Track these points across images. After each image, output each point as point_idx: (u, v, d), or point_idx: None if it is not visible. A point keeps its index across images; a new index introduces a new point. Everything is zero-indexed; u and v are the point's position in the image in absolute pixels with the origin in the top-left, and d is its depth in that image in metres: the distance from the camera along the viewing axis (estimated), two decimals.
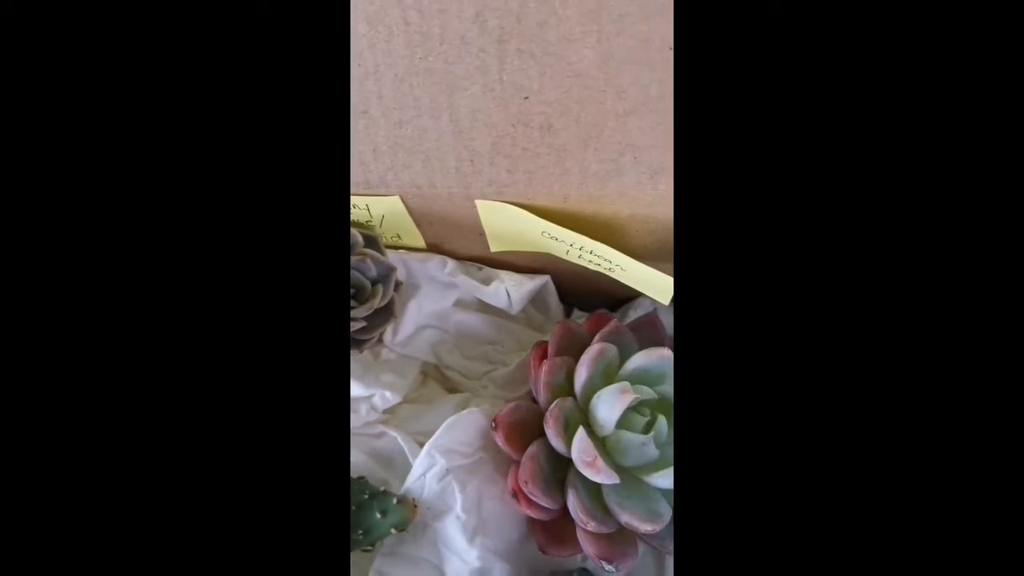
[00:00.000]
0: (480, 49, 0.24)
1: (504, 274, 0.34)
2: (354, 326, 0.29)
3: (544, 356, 0.31)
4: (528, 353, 0.33)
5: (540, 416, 0.30)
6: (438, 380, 0.36)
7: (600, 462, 0.27)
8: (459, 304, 0.36)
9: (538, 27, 0.23)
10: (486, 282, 0.34)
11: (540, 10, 0.22)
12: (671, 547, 0.28)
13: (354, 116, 0.26)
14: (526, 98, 0.25)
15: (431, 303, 0.35)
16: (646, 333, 0.33)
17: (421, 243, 0.34)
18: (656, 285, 0.30)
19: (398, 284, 0.33)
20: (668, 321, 0.35)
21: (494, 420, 0.30)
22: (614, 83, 0.24)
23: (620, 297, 0.38)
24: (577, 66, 0.24)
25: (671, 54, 0.23)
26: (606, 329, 0.32)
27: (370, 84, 0.25)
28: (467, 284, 0.34)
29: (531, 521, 0.30)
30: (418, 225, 0.32)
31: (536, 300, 0.37)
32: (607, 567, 0.27)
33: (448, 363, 0.36)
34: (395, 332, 0.34)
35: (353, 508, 0.29)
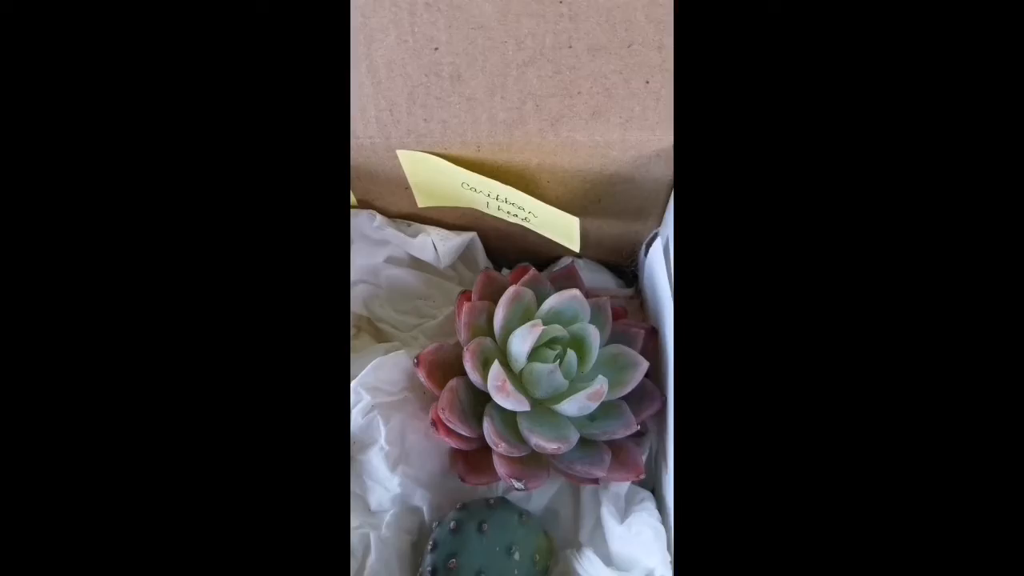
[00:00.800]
0: (392, 3, 0.26)
1: (431, 228, 0.36)
2: None
3: (468, 302, 0.33)
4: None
5: (461, 357, 0.32)
6: (370, 333, 0.38)
7: (509, 386, 0.29)
8: (390, 260, 0.37)
9: None
10: (414, 237, 0.36)
11: None
12: (578, 469, 0.30)
13: None
14: (436, 49, 0.27)
15: (363, 258, 0.37)
16: (564, 283, 0.35)
17: (352, 201, 0.36)
18: (565, 229, 0.32)
19: None
20: (585, 275, 0.38)
21: (417, 357, 0.32)
22: (513, 34, 0.26)
23: (545, 256, 0.40)
24: (479, 19, 0.26)
25: (562, 7, 0.25)
26: (525, 277, 0.34)
27: None
28: (396, 238, 0.36)
29: (452, 452, 0.32)
30: (351, 180, 0.34)
31: (465, 258, 0.39)
32: (516, 484, 0.29)
33: (380, 316, 0.37)
34: None
35: None
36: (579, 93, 0.28)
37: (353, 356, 0.35)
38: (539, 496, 0.34)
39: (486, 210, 0.34)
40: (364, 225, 0.36)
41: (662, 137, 0.28)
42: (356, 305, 0.37)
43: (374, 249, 0.37)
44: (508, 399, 0.30)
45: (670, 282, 0.31)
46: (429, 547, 0.29)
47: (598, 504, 0.33)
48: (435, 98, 0.29)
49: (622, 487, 0.32)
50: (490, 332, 0.33)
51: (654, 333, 0.35)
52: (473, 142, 0.30)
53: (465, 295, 0.34)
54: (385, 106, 0.29)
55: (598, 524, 0.32)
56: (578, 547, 0.32)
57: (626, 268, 0.40)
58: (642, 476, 0.31)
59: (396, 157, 0.32)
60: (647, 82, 0.27)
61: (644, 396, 0.33)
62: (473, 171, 0.31)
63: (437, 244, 0.36)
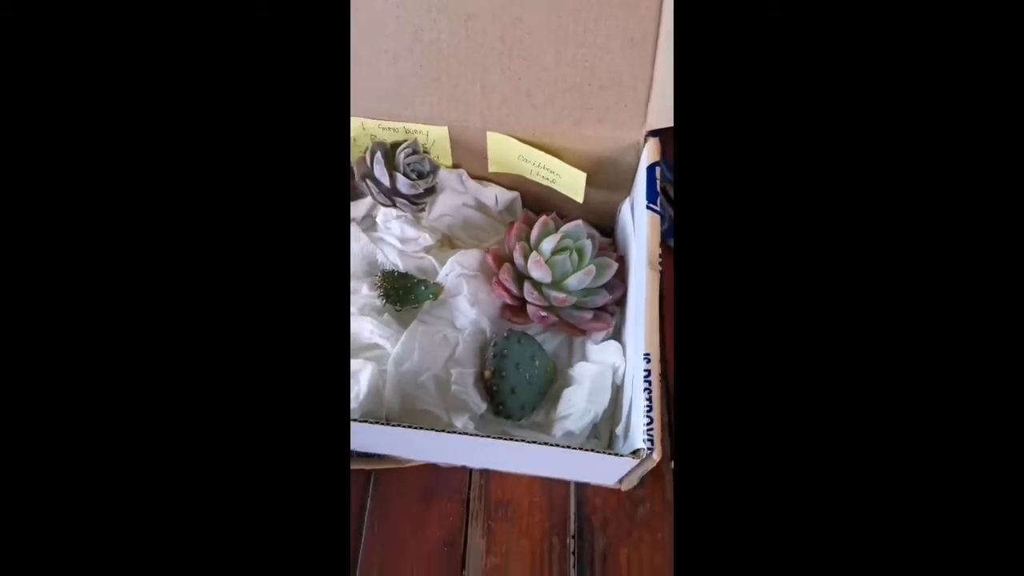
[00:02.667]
0: (499, 52, 0.51)
1: (494, 185, 0.61)
2: (418, 189, 0.55)
3: (515, 225, 0.58)
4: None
5: (512, 254, 0.56)
6: (448, 245, 0.61)
7: (541, 261, 0.53)
8: (466, 204, 0.62)
9: (526, 45, 0.50)
10: (485, 188, 0.60)
11: (526, 36, 0.50)
12: (575, 316, 0.54)
13: (432, 80, 0.53)
14: (519, 79, 0.52)
15: (451, 200, 0.61)
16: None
17: (450, 163, 0.60)
18: (576, 184, 0.57)
19: (436, 183, 0.59)
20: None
21: (487, 250, 0.55)
22: (561, 74, 0.51)
23: (562, 214, 0.64)
24: (544, 63, 0.51)
25: (586, 63, 0.50)
26: (548, 217, 0.58)
27: (442, 65, 0.52)
28: (473, 189, 0.60)
29: (504, 305, 0.55)
30: (452, 150, 0.58)
31: (510, 209, 0.63)
32: (541, 314, 0.53)
33: (457, 236, 0.61)
34: (430, 211, 0.60)
35: (408, 286, 0.54)
36: (591, 108, 0.52)
37: (443, 254, 0.59)
38: (549, 342, 0.57)
39: (529, 176, 0.59)
40: (454, 179, 0.60)
41: (632, 136, 0.53)
42: (444, 227, 0.61)
43: (458, 196, 0.61)
44: (539, 270, 0.53)
45: (633, 232, 0.56)
46: (492, 343, 0.52)
47: (584, 347, 0.56)
48: (515, 106, 0.53)
49: (598, 336, 0.56)
50: (527, 241, 0.57)
51: (622, 259, 0.59)
52: (531, 131, 0.55)
53: (512, 223, 0.58)
54: (487, 108, 0.54)
55: (584, 356, 0.56)
56: (572, 366, 0.55)
57: (608, 227, 0.65)
58: (610, 328, 0.55)
59: (484, 137, 0.56)
60: (625, 105, 0.52)
61: (614, 287, 0.57)
62: (530, 145, 0.56)
63: (498, 196, 0.60)
